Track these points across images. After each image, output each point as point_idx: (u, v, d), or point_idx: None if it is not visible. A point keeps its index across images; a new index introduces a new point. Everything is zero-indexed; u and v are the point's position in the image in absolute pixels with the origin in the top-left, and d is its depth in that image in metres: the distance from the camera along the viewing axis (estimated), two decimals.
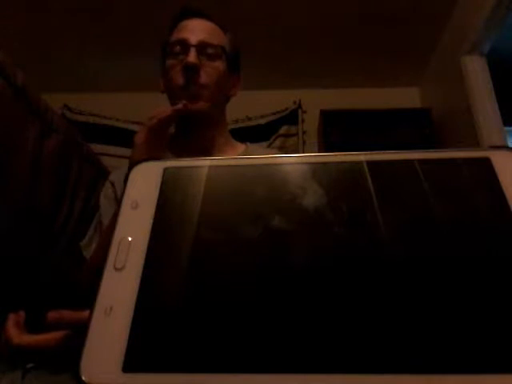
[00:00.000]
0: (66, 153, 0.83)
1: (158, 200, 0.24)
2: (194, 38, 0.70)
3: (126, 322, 0.19)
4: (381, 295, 0.19)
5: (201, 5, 0.75)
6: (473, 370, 0.17)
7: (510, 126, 2.11)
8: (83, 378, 0.18)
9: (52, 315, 0.33)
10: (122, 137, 2.21)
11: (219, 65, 0.72)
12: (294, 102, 2.34)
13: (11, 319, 0.37)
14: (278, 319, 0.19)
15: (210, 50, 0.71)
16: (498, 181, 0.23)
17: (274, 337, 0.18)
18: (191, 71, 0.68)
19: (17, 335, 0.35)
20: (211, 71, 0.71)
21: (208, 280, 0.21)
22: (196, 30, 0.72)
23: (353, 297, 0.19)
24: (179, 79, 0.69)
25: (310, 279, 0.20)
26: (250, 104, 2.18)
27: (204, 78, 0.69)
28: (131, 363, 0.18)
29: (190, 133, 0.75)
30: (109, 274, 0.22)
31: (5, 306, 0.43)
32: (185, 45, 0.70)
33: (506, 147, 0.24)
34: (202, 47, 0.71)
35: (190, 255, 0.22)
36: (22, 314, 0.39)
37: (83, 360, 0.18)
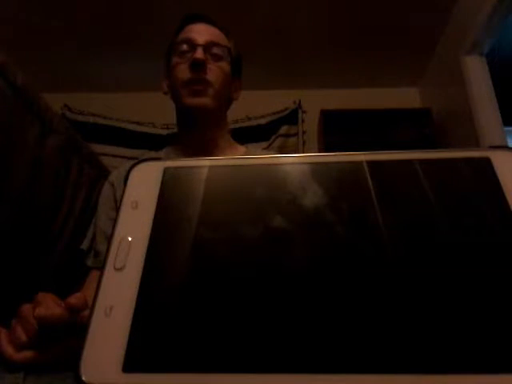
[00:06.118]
0: (66, 153, 0.83)
1: (158, 200, 0.24)
2: (200, 38, 0.72)
3: (126, 322, 0.19)
4: (381, 295, 0.19)
5: (201, 5, 0.75)
6: (473, 370, 0.17)
7: (510, 126, 2.10)
8: (83, 378, 0.18)
9: (41, 313, 0.32)
10: (122, 137, 2.21)
11: (224, 65, 0.74)
12: (294, 102, 2.34)
13: (3, 336, 0.35)
14: (279, 320, 0.19)
15: (215, 50, 0.73)
16: (498, 181, 0.23)
17: (274, 337, 0.18)
18: (198, 67, 0.69)
19: (15, 352, 0.34)
20: (217, 70, 0.72)
21: (208, 280, 0.21)
22: (202, 32, 0.74)
23: (353, 297, 0.19)
24: (185, 75, 0.70)
25: (310, 279, 0.20)
26: (250, 104, 2.17)
27: (210, 75, 0.71)
28: (131, 363, 0.18)
29: (192, 131, 0.76)
30: (109, 274, 0.21)
31: (4, 306, 0.43)
32: (192, 44, 0.72)
33: (506, 147, 0.24)
34: (208, 47, 0.72)
35: (189, 255, 0.22)
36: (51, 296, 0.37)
37: (83, 360, 0.18)
